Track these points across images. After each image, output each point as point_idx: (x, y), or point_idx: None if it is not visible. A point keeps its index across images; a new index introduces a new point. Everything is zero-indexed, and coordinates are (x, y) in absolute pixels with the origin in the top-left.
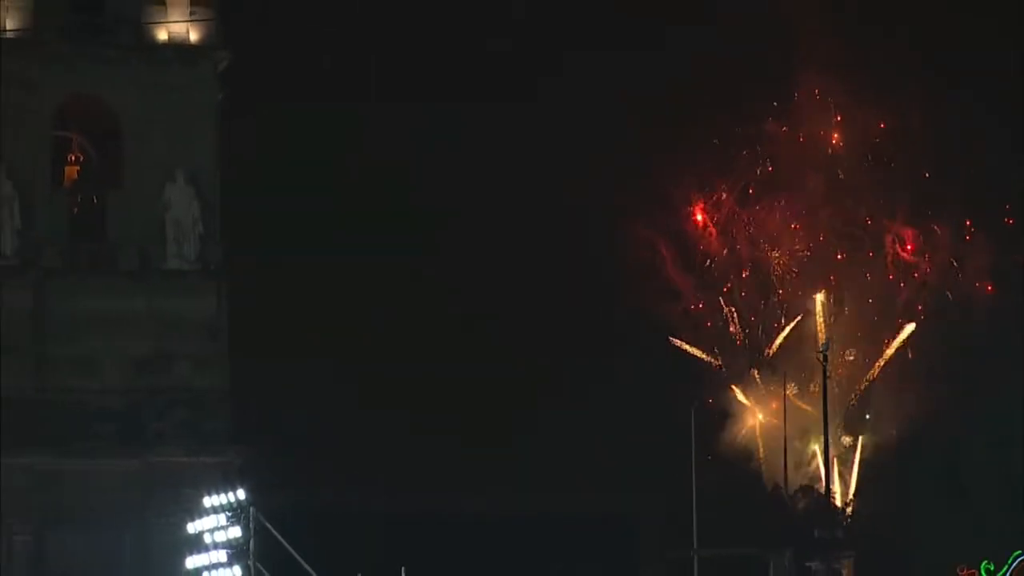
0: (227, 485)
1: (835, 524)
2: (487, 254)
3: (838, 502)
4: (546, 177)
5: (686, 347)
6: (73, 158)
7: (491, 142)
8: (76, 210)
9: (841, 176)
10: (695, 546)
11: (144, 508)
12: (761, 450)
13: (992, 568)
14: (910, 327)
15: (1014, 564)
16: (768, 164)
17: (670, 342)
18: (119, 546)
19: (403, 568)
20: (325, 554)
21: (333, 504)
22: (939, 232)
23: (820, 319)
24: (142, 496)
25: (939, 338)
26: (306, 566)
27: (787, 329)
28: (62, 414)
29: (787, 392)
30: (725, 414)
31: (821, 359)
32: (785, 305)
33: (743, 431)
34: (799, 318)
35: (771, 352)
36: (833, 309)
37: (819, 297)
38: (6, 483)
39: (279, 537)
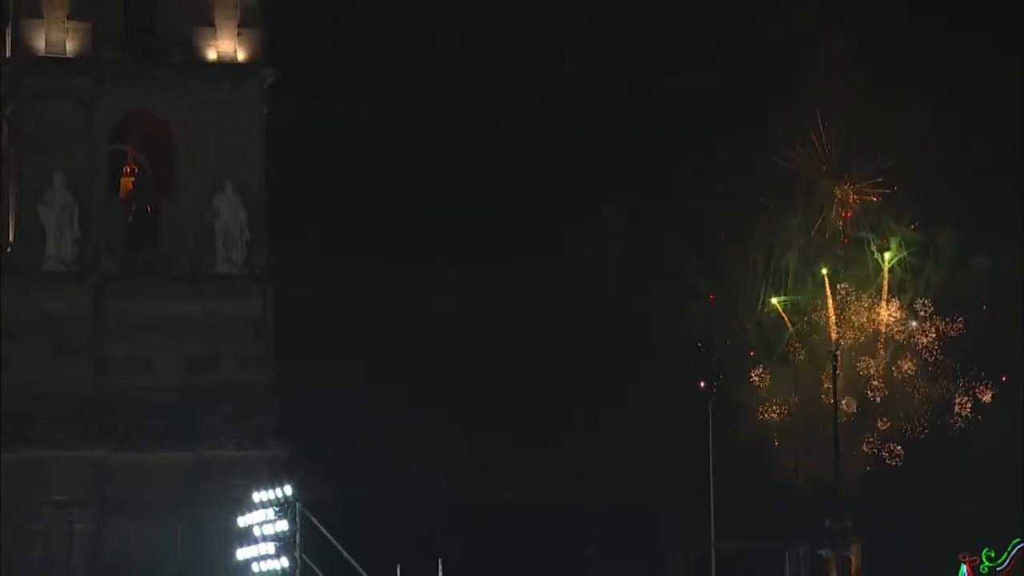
0: (273, 477)
1: (844, 514)
2: (518, 259)
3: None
4: (572, 183)
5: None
6: (128, 170)
7: (526, 150)
8: (131, 219)
9: (849, 186)
10: (713, 538)
11: (195, 498)
12: (774, 442)
13: (993, 555)
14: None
15: (1013, 551)
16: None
17: (687, 339)
18: (173, 534)
19: (440, 560)
20: (367, 545)
21: (374, 496)
22: (942, 235)
23: (832, 317)
24: (193, 487)
25: (944, 338)
26: (349, 558)
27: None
28: (119, 410)
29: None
30: (740, 408)
31: (831, 358)
32: (796, 301)
33: (757, 424)
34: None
35: (783, 348)
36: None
37: (828, 296)
38: (70, 475)
39: (324, 531)
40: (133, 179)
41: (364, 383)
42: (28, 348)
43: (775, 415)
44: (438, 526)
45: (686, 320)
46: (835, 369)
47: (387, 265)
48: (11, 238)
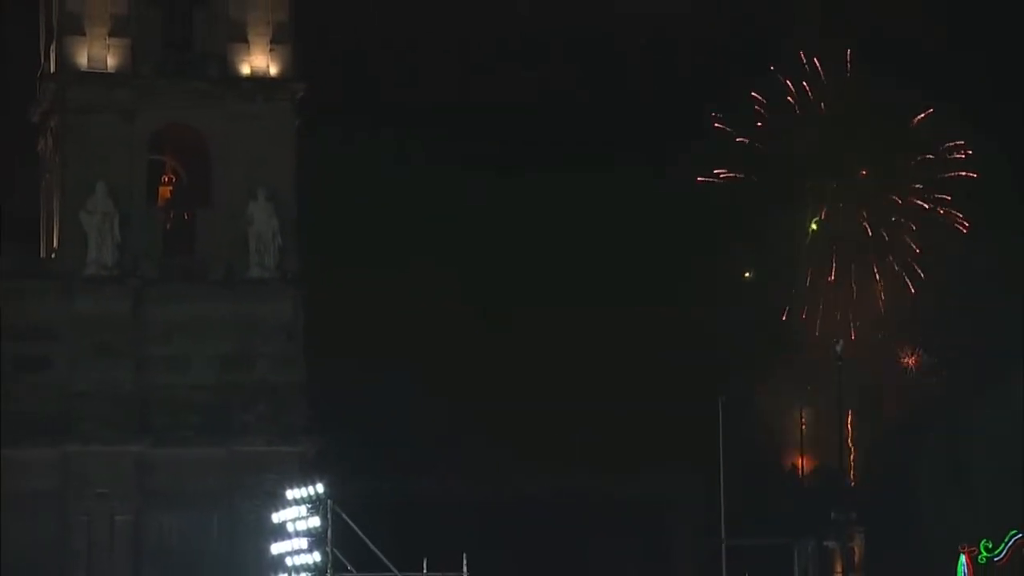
0: (303, 473)
1: (849, 507)
2: (535, 261)
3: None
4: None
5: None
6: (166, 179)
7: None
8: (169, 225)
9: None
10: (723, 534)
11: (230, 492)
12: (780, 435)
13: (991, 546)
14: None
15: (1010, 542)
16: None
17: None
18: (209, 526)
19: (464, 554)
20: (394, 539)
21: (398, 490)
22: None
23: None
24: (228, 481)
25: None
26: (378, 553)
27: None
28: (157, 407)
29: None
30: (750, 403)
31: (836, 360)
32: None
33: (765, 417)
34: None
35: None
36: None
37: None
38: (111, 469)
39: (354, 527)
40: (171, 187)
41: (388, 383)
42: (70, 349)
43: (782, 409)
44: (460, 519)
45: (697, 322)
46: (839, 366)
47: (411, 270)
48: (55, 243)
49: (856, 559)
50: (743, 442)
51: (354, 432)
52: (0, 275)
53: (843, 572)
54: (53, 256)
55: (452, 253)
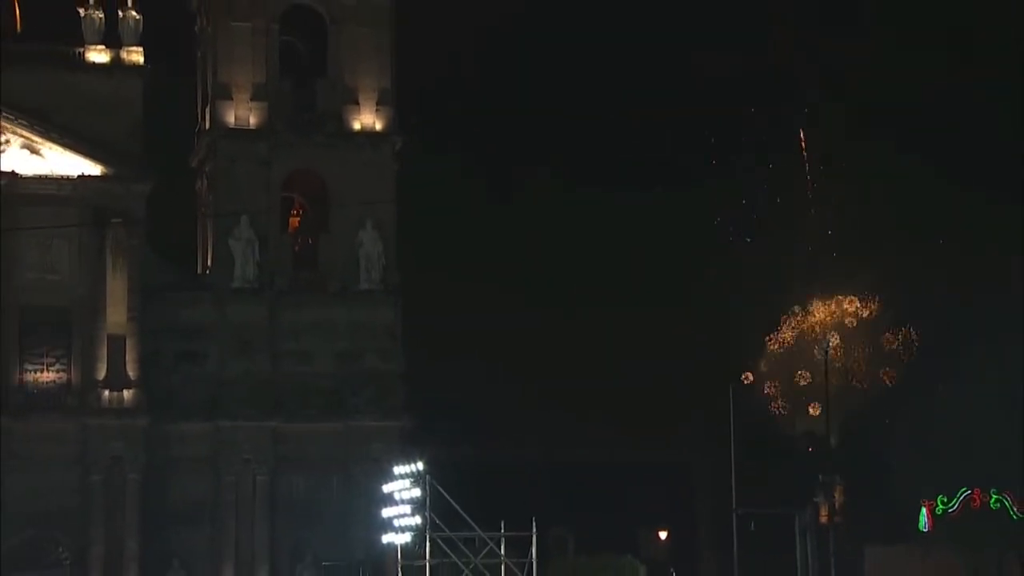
0: (403, 444)
1: (833, 470)
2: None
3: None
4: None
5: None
6: (295, 211)
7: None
8: (297, 248)
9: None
10: (734, 504)
11: (345, 458)
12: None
13: (946, 500)
14: None
15: (962, 497)
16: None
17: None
18: (329, 485)
19: (533, 519)
20: (477, 501)
21: (478, 458)
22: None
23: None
24: (344, 450)
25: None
26: (467, 517)
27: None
28: (288, 391)
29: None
30: (754, 386)
31: (823, 353)
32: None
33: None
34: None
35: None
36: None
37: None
38: (253, 440)
39: (447, 497)
40: (298, 218)
41: (470, 371)
42: (220, 346)
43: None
44: (529, 483)
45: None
46: (826, 360)
47: (487, 278)
48: (208, 262)
49: (837, 506)
50: (751, 418)
51: (442, 410)
52: (165, 288)
53: (828, 517)
54: (207, 272)
55: (521, 263)
